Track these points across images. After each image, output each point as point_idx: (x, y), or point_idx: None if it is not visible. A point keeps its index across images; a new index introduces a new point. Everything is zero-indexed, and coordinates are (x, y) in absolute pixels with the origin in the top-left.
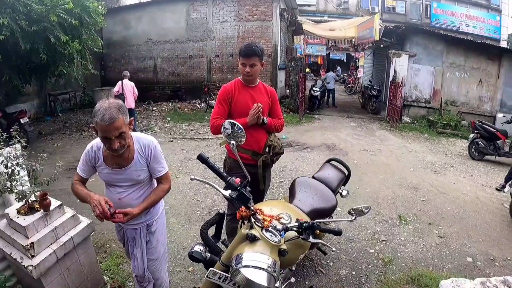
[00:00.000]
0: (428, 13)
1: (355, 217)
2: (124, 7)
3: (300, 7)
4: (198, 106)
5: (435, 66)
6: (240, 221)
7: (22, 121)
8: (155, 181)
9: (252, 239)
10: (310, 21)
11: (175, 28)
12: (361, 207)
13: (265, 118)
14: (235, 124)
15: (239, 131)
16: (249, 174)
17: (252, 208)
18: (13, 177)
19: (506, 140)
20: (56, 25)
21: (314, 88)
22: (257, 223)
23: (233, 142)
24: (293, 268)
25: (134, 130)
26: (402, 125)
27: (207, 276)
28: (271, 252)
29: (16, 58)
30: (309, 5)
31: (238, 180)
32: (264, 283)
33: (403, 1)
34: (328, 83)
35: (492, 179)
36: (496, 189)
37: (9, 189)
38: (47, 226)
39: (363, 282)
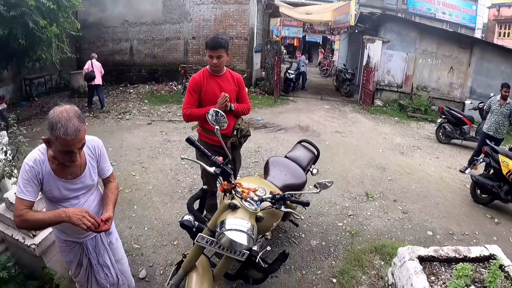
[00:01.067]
0: None
1: (319, 190)
2: None
3: None
4: (175, 88)
5: (408, 53)
6: (222, 194)
7: (0, 107)
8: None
9: (233, 208)
10: (287, 4)
11: (152, 10)
12: (325, 181)
13: (232, 105)
14: (218, 112)
15: (222, 118)
16: (219, 155)
17: (232, 182)
18: (12, 163)
19: (472, 125)
20: (34, 9)
21: (289, 71)
22: (237, 194)
23: (217, 127)
24: (269, 237)
25: (102, 106)
26: (374, 108)
27: (196, 241)
28: (250, 218)
29: None
30: None
31: (220, 158)
32: (245, 243)
33: None
34: (303, 65)
35: (457, 161)
36: (460, 170)
37: (8, 174)
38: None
39: (332, 251)
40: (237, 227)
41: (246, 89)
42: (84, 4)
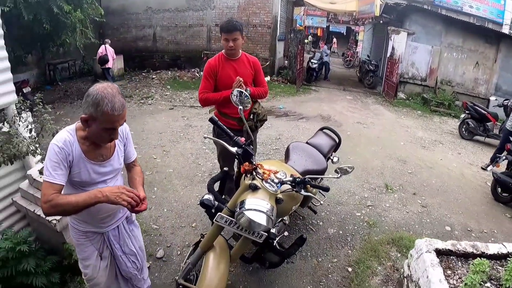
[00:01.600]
0: None
1: (340, 175)
2: None
3: None
4: (197, 74)
5: (433, 45)
6: (243, 175)
7: (24, 90)
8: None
9: (254, 188)
10: None
11: None
12: (346, 166)
13: (248, 89)
14: (242, 92)
15: (245, 98)
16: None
17: (254, 163)
18: (37, 140)
19: (496, 122)
20: None
21: (312, 60)
22: (258, 175)
23: (240, 107)
24: (287, 222)
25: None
26: (397, 101)
27: (215, 220)
28: (270, 199)
29: (19, 29)
30: None
31: (243, 139)
32: (264, 223)
33: None
34: (327, 55)
35: (479, 158)
36: (481, 168)
37: (33, 152)
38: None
39: (349, 240)
40: (257, 207)
41: (268, 77)
42: None
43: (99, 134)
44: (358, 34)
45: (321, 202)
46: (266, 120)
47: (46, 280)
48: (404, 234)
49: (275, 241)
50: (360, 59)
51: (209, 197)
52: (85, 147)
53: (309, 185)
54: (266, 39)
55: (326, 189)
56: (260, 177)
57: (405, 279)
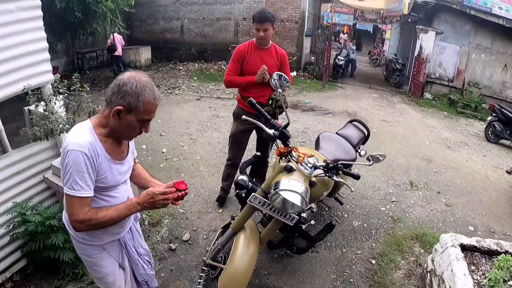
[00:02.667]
0: None
1: (372, 162)
2: None
3: None
4: (224, 67)
5: (461, 46)
6: (278, 157)
7: (54, 77)
8: None
9: (289, 170)
10: None
11: None
12: (378, 154)
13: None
14: (281, 75)
15: (284, 81)
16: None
17: (290, 145)
18: (73, 119)
19: None
20: None
21: (339, 57)
22: (293, 158)
23: (279, 90)
24: (315, 209)
25: (115, 75)
26: (423, 101)
27: (249, 200)
28: (304, 181)
29: (50, 16)
30: None
31: (280, 122)
32: (298, 203)
33: None
34: (353, 52)
35: (504, 162)
36: (507, 171)
37: (68, 130)
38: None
39: (373, 233)
40: (292, 188)
41: (295, 72)
42: None
43: (132, 127)
44: (385, 33)
45: (352, 189)
46: (286, 107)
47: (72, 256)
48: (427, 231)
49: (304, 226)
50: (386, 57)
51: (244, 177)
52: (108, 145)
53: (340, 171)
54: (293, 34)
55: (357, 177)
56: (295, 160)
57: (428, 273)
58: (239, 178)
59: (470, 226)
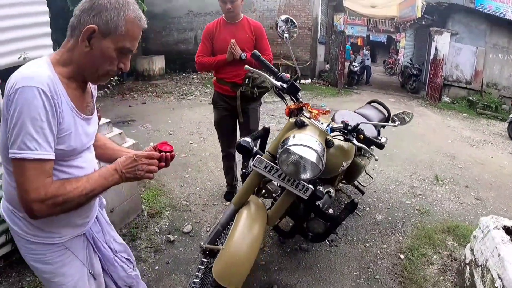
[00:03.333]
0: None
1: (398, 123)
2: None
3: None
4: None
5: (477, 46)
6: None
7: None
8: None
9: (301, 125)
10: None
11: (216, 1)
12: (403, 114)
13: (243, 54)
14: (288, 18)
15: (291, 26)
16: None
17: (301, 100)
18: None
19: None
20: None
21: (353, 63)
22: (305, 114)
23: (286, 35)
24: (333, 194)
25: (123, 80)
26: (442, 104)
27: (253, 165)
28: (319, 137)
29: (63, 20)
30: None
31: (288, 75)
32: (313, 159)
33: None
34: (368, 59)
35: None
36: None
37: None
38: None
39: (399, 227)
40: (305, 143)
41: (309, 79)
42: None
43: (107, 59)
44: (399, 43)
45: (376, 157)
46: (267, 88)
47: None
48: (460, 223)
49: (321, 201)
50: (401, 66)
51: (248, 139)
52: (70, 91)
53: (361, 135)
54: (306, 41)
55: (381, 146)
56: (308, 117)
57: (467, 266)
58: (241, 139)
59: None
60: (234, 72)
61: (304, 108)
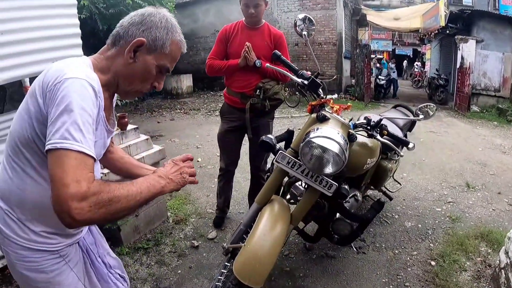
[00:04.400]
0: (496, 3)
1: (422, 117)
2: (191, 1)
3: (364, 1)
4: None
5: (504, 52)
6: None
7: None
8: None
9: (323, 120)
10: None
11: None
12: (427, 108)
13: (258, 60)
14: (306, 16)
15: (310, 24)
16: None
17: (322, 95)
18: None
19: None
20: (130, 8)
21: (379, 77)
22: (327, 110)
23: (304, 33)
24: (359, 198)
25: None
26: (471, 113)
27: (275, 161)
28: (342, 130)
29: (94, 39)
30: None
31: (308, 72)
32: (335, 150)
33: None
34: (394, 72)
35: None
36: None
37: None
38: (122, 143)
39: (430, 233)
40: (327, 134)
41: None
42: (177, 17)
43: (147, 74)
44: (425, 55)
45: (401, 154)
46: (280, 100)
47: None
48: (494, 229)
49: (346, 200)
50: (428, 78)
51: (270, 136)
52: (104, 99)
53: (385, 132)
54: (331, 56)
55: (407, 144)
56: (330, 112)
57: (502, 270)
58: (263, 136)
59: None
60: (245, 82)
61: (325, 104)
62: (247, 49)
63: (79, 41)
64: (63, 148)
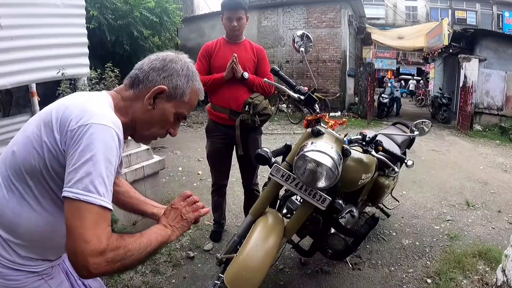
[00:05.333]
0: (500, 23)
1: (417, 133)
2: (198, 16)
3: (369, 20)
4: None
5: (506, 71)
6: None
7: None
8: None
9: (317, 134)
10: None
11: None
12: (422, 124)
13: (245, 72)
14: (304, 33)
15: (307, 41)
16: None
17: (318, 110)
18: None
19: None
20: (138, 20)
21: (382, 95)
22: (322, 125)
23: (302, 49)
24: (356, 214)
25: None
26: (473, 132)
27: (270, 174)
28: (335, 143)
29: (101, 49)
30: (378, 18)
31: (306, 88)
32: (328, 164)
33: (473, 11)
34: (397, 90)
35: None
36: None
37: None
38: (123, 152)
39: (427, 251)
40: (320, 149)
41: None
42: (184, 31)
43: (164, 121)
44: (429, 74)
45: (397, 169)
46: (269, 115)
47: None
48: (492, 247)
49: (340, 215)
50: (431, 96)
51: (266, 149)
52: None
53: (380, 147)
54: (335, 74)
55: (401, 159)
56: (325, 127)
57: None
58: (259, 149)
59: None
60: (233, 96)
61: (321, 119)
62: (235, 59)
63: (86, 50)
64: (86, 202)
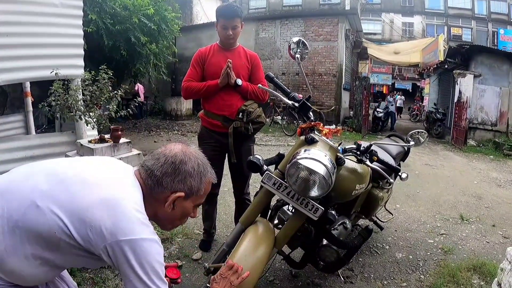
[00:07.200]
0: (495, 40)
1: (413, 144)
2: (197, 25)
3: (366, 35)
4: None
5: (501, 87)
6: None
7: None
8: None
9: (311, 141)
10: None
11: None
12: (418, 134)
13: (238, 79)
14: (300, 40)
15: (303, 48)
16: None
17: (312, 118)
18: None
19: None
20: (137, 27)
21: (377, 109)
22: (317, 133)
23: (297, 56)
24: (348, 226)
25: (137, 118)
26: (467, 147)
27: (262, 181)
28: (329, 152)
29: (98, 54)
30: (374, 34)
31: (300, 95)
32: (321, 172)
33: (469, 28)
34: (392, 105)
35: None
36: None
37: (86, 113)
38: (113, 156)
39: (421, 265)
40: (313, 156)
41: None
42: (182, 40)
43: (185, 215)
44: (424, 89)
45: (391, 180)
46: (263, 123)
47: None
48: (487, 261)
49: (333, 227)
50: (426, 112)
51: (258, 157)
52: None
53: (375, 157)
54: (331, 87)
55: (396, 170)
56: (319, 135)
57: None
58: (251, 157)
59: None
60: (227, 103)
61: (315, 127)
62: (230, 64)
63: (81, 52)
64: None
